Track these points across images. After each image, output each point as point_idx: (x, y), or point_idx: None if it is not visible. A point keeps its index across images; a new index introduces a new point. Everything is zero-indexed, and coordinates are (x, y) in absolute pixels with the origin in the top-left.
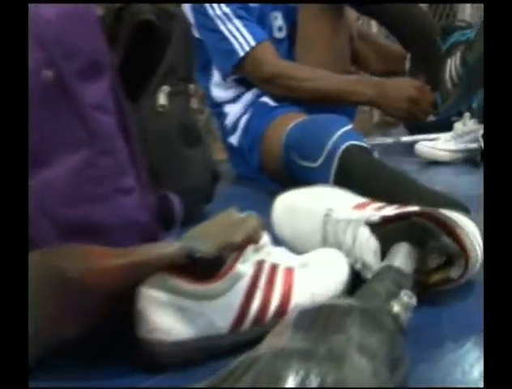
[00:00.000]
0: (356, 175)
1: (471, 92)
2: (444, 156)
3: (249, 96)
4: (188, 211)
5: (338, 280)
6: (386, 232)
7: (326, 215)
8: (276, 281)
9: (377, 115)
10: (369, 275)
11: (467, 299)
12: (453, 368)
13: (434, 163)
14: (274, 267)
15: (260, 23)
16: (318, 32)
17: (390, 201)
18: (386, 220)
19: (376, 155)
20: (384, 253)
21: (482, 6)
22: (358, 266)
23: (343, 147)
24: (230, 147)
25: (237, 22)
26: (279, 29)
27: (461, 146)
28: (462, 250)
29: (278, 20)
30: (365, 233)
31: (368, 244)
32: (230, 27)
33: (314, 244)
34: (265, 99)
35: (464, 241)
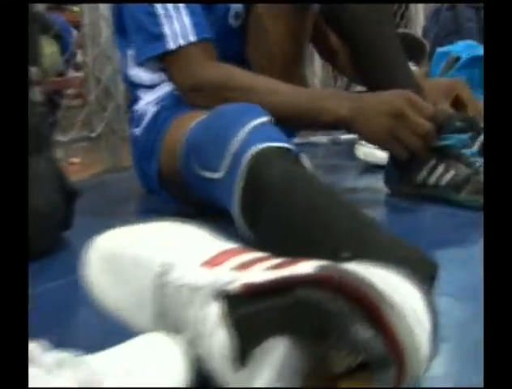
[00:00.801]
0: (271, 194)
1: None
2: (384, 159)
3: (167, 87)
4: (33, 240)
5: None
6: (253, 313)
7: (161, 273)
8: None
9: None
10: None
11: None
12: None
13: (378, 167)
14: None
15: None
16: (276, 30)
17: (313, 241)
18: (252, 291)
19: (304, 161)
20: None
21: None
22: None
23: (253, 149)
24: (133, 140)
25: (182, 7)
26: (236, 16)
27: None
28: (394, 354)
29: (237, 6)
30: (214, 315)
31: (215, 339)
32: (170, 8)
33: (148, 318)
34: None
35: (399, 337)
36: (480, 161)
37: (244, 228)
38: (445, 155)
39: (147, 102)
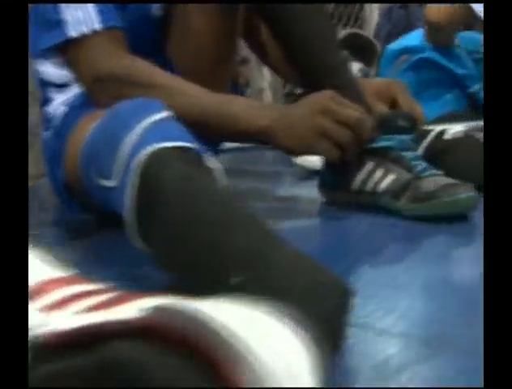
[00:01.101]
0: (162, 202)
1: None
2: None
3: (78, 88)
4: None
5: None
6: (56, 372)
7: None
8: None
9: None
10: None
11: None
12: None
13: (316, 173)
14: None
15: None
16: (202, 27)
17: (202, 259)
18: (60, 342)
19: (211, 163)
20: None
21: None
22: None
23: (147, 150)
24: (43, 144)
25: None
26: (161, 6)
27: None
28: None
29: None
30: None
31: None
32: None
33: None
34: None
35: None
36: (422, 165)
37: (138, 243)
38: (384, 158)
39: (58, 103)
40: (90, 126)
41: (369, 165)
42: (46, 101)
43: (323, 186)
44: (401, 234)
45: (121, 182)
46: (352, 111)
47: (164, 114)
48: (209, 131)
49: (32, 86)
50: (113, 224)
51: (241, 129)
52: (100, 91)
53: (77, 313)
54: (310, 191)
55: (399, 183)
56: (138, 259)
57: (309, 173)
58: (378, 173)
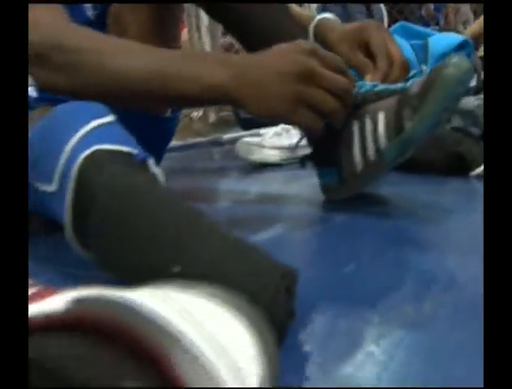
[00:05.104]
0: (97, 203)
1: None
2: (271, 155)
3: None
4: None
5: None
6: None
7: None
8: None
9: (213, 114)
10: None
11: None
12: None
13: (263, 166)
14: None
15: None
16: (136, 29)
17: (139, 255)
18: None
19: (153, 168)
20: None
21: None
22: None
23: (84, 155)
24: None
25: None
26: (94, 7)
27: (295, 140)
28: None
29: None
30: None
31: None
32: None
33: None
34: (29, 89)
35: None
36: (397, 85)
37: (78, 249)
38: (362, 104)
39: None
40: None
41: (355, 125)
42: None
43: (326, 185)
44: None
45: (61, 187)
46: (338, 76)
47: (104, 119)
48: (157, 97)
49: None
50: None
51: (195, 88)
52: (39, 67)
53: None
54: (264, 185)
55: (392, 112)
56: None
57: (256, 166)
58: (368, 126)
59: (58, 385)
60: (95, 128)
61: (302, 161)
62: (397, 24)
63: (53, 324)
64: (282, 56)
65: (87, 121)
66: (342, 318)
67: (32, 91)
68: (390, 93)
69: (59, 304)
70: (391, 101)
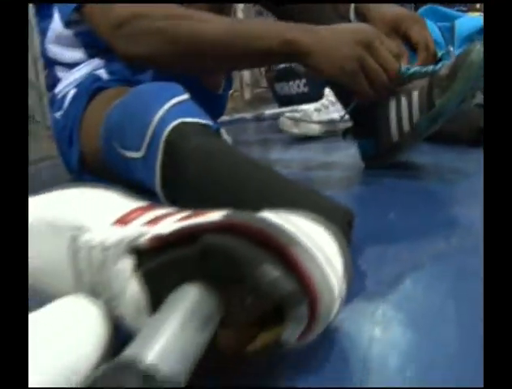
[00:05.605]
0: (189, 166)
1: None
2: (313, 128)
3: (87, 68)
4: None
5: (70, 365)
6: (163, 264)
7: (74, 237)
8: None
9: (248, 91)
10: None
11: None
12: None
13: (304, 138)
14: None
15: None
16: None
17: (231, 202)
18: (161, 243)
19: (223, 134)
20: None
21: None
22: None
23: (171, 126)
24: (54, 124)
25: None
26: None
27: (334, 115)
28: (306, 288)
29: None
30: (126, 270)
31: (128, 290)
32: None
33: (66, 285)
34: (100, 71)
35: (308, 272)
36: (429, 67)
37: (165, 203)
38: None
39: (67, 84)
40: (108, 102)
41: (392, 102)
42: (54, 83)
43: (365, 154)
44: None
45: (148, 153)
46: (391, 58)
47: (182, 97)
48: (233, 55)
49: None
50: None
51: (272, 44)
52: (121, 36)
53: (170, 223)
54: (304, 155)
55: (424, 91)
56: None
57: (297, 139)
58: (404, 102)
59: (228, 262)
60: (176, 104)
61: (344, 133)
62: (426, 7)
63: (215, 227)
64: (352, 29)
65: (169, 99)
66: (389, 249)
67: (103, 74)
68: (422, 75)
69: (217, 216)
70: (423, 82)
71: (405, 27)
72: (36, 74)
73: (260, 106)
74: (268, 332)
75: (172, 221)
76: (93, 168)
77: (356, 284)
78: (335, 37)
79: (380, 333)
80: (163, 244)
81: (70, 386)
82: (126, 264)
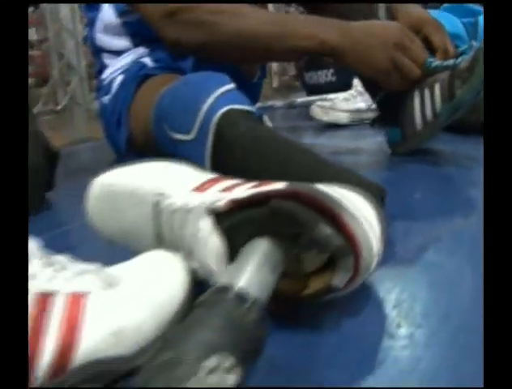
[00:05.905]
0: (237, 149)
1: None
2: (342, 117)
3: (132, 56)
4: None
5: (163, 302)
6: (238, 223)
7: (157, 203)
8: (51, 321)
9: (276, 79)
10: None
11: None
12: None
13: (333, 126)
14: (45, 300)
15: None
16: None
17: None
18: (236, 206)
19: (266, 120)
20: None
21: None
22: (203, 272)
23: (220, 112)
24: (102, 108)
25: None
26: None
27: (361, 105)
28: (351, 244)
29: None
30: (207, 227)
31: (209, 243)
32: None
33: (147, 243)
34: (145, 59)
35: (353, 232)
36: (449, 61)
37: None
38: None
39: (114, 70)
40: (158, 88)
41: (415, 93)
42: (102, 69)
43: (391, 141)
44: None
45: (199, 136)
46: (421, 51)
47: (228, 86)
48: (272, 51)
49: None
50: None
51: (315, 46)
52: (171, 25)
53: (242, 190)
54: (337, 141)
55: (446, 83)
56: None
57: (328, 126)
58: (427, 93)
59: (291, 222)
60: (225, 92)
61: (372, 122)
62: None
63: (282, 194)
64: (383, 27)
65: (217, 87)
66: (414, 224)
67: (148, 61)
68: (444, 68)
69: (282, 185)
70: (444, 75)
71: (427, 31)
72: (78, 60)
73: (287, 94)
74: (319, 280)
75: (244, 189)
76: (141, 148)
77: (387, 251)
78: (369, 39)
79: (407, 289)
80: (238, 206)
81: (162, 322)
82: (207, 223)
